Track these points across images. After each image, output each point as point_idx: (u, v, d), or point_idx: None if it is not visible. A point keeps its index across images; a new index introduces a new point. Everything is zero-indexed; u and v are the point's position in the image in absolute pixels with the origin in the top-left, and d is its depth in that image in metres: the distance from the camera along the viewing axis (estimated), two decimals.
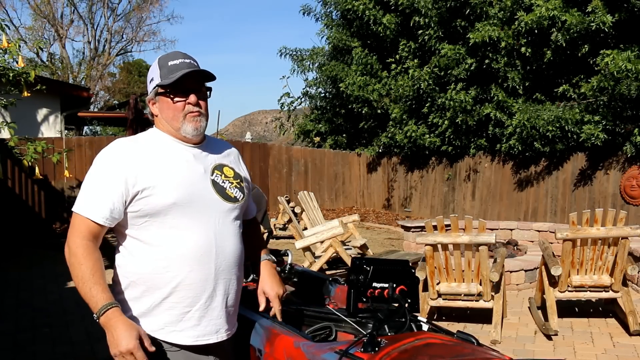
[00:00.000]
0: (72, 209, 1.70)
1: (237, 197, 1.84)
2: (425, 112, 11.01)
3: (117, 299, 1.76)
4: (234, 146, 2.06)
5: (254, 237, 2.12)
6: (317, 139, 14.08)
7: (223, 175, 1.83)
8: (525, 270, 5.89)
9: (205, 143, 1.87)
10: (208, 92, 1.83)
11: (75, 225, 1.68)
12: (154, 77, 1.79)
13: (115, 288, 1.77)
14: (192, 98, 1.76)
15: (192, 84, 1.76)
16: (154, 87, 1.78)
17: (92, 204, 1.67)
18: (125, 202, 1.68)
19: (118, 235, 1.77)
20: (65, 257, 1.68)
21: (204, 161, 1.81)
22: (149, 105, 1.82)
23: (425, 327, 1.96)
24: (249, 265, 2.63)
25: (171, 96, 1.76)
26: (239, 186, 1.86)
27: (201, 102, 1.79)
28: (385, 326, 1.86)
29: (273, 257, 2.14)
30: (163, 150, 1.77)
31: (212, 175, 1.80)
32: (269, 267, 2.08)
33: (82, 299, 1.64)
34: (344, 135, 13.61)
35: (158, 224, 1.69)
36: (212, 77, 1.80)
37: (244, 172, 1.95)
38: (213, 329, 1.76)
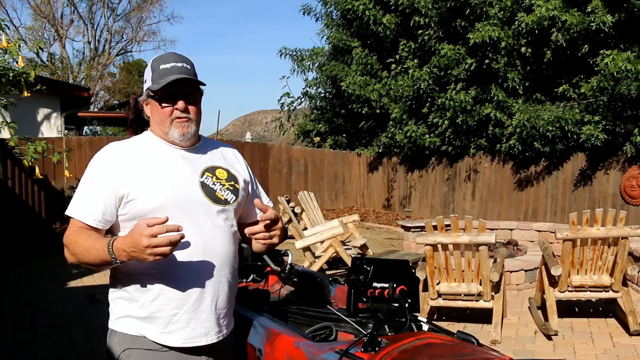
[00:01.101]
0: (65, 213, 1.72)
1: (228, 199, 1.82)
2: (425, 112, 11.01)
3: (111, 297, 1.79)
4: (237, 149, 2.04)
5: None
6: (317, 139, 14.07)
7: (214, 177, 1.82)
8: (525, 270, 5.89)
9: (199, 145, 1.86)
10: (200, 97, 1.81)
11: (68, 226, 1.73)
12: (147, 79, 1.80)
13: (110, 287, 1.80)
14: (180, 104, 1.75)
15: (181, 89, 1.75)
16: (146, 90, 1.80)
17: (83, 207, 1.71)
18: (116, 205, 1.71)
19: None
20: (65, 258, 1.71)
21: (194, 163, 1.81)
22: (143, 106, 1.84)
23: (425, 327, 1.96)
24: (249, 265, 2.64)
25: (159, 100, 1.76)
26: (231, 188, 1.84)
27: (190, 108, 1.77)
28: (386, 326, 1.86)
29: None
30: (152, 153, 1.78)
31: (201, 177, 1.79)
32: None
33: (100, 267, 1.67)
34: (344, 135, 13.60)
35: None
36: (201, 83, 1.79)
37: (242, 173, 1.93)
38: (202, 331, 1.75)
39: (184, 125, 1.77)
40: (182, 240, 1.60)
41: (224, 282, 1.80)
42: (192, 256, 1.71)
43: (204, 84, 1.80)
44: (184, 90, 1.76)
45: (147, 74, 1.80)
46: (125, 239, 1.58)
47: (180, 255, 1.70)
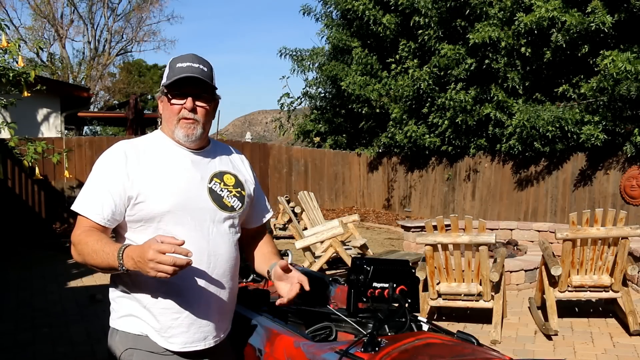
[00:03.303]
0: (72, 207, 1.70)
1: (235, 207, 1.82)
2: (425, 112, 11.01)
3: (113, 296, 1.79)
4: (237, 149, 2.03)
5: (262, 244, 2.02)
6: (317, 139, 14.08)
7: (222, 183, 1.82)
8: (525, 270, 5.89)
9: (209, 148, 1.85)
10: (213, 100, 1.79)
11: (77, 223, 1.71)
12: (163, 76, 1.80)
13: (111, 286, 1.80)
14: (188, 102, 1.73)
15: (193, 89, 1.74)
16: (161, 87, 1.80)
17: (92, 204, 1.68)
18: (125, 205, 1.69)
19: (117, 237, 1.78)
20: (72, 255, 1.70)
21: (203, 168, 1.80)
22: (158, 101, 1.84)
23: (425, 327, 1.96)
24: (249, 265, 2.64)
25: (169, 97, 1.76)
26: (238, 195, 1.84)
27: (199, 109, 1.75)
28: (386, 326, 1.86)
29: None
30: (162, 155, 1.77)
31: (209, 183, 1.79)
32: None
33: (105, 271, 1.64)
34: (344, 135, 13.61)
35: (153, 229, 1.69)
36: (213, 86, 1.78)
37: (249, 177, 1.93)
38: (201, 336, 1.75)
39: (190, 126, 1.75)
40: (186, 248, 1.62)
41: (226, 288, 1.80)
42: (197, 262, 1.70)
43: (216, 87, 1.79)
44: (195, 91, 1.74)
45: (165, 72, 1.80)
46: (136, 248, 1.57)
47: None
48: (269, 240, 2.07)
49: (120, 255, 1.57)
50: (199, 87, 1.75)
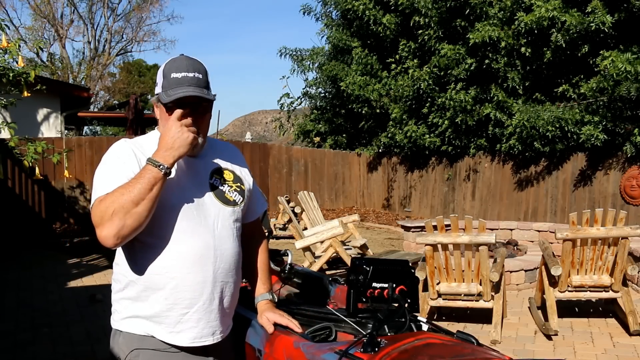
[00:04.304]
0: (92, 202, 1.64)
1: (237, 201, 1.84)
2: (425, 112, 11.01)
3: (116, 298, 1.78)
4: (237, 148, 2.05)
5: (256, 255, 2.05)
6: (317, 139, 14.08)
7: (222, 178, 1.83)
8: (525, 270, 5.89)
9: (206, 146, 1.85)
10: (211, 106, 1.78)
11: (92, 211, 1.63)
12: (158, 83, 1.78)
13: (114, 287, 1.79)
14: (188, 121, 1.71)
15: (192, 99, 1.71)
16: (156, 94, 1.78)
17: (113, 186, 1.63)
18: None
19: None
20: (104, 239, 1.58)
21: (203, 165, 1.81)
22: (153, 106, 1.83)
23: (425, 327, 1.95)
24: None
25: (168, 110, 1.73)
26: (238, 189, 1.86)
27: (199, 120, 1.74)
28: (385, 326, 1.86)
29: (274, 297, 2.04)
30: None
31: (211, 179, 1.80)
32: (268, 305, 1.99)
33: (148, 202, 1.59)
34: (344, 135, 13.61)
35: (158, 225, 1.69)
36: (212, 99, 1.76)
37: (245, 173, 1.94)
38: (210, 330, 1.76)
39: None
40: (193, 243, 1.69)
41: (232, 282, 1.81)
42: (204, 256, 1.72)
43: (214, 99, 1.77)
44: (194, 100, 1.72)
45: (159, 78, 1.78)
46: (159, 146, 1.64)
47: (193, 255, 1.70)
48: (264, 255, 2.07)
49: (154, 161, 1.61)
50: (197, 99, 1.73)
